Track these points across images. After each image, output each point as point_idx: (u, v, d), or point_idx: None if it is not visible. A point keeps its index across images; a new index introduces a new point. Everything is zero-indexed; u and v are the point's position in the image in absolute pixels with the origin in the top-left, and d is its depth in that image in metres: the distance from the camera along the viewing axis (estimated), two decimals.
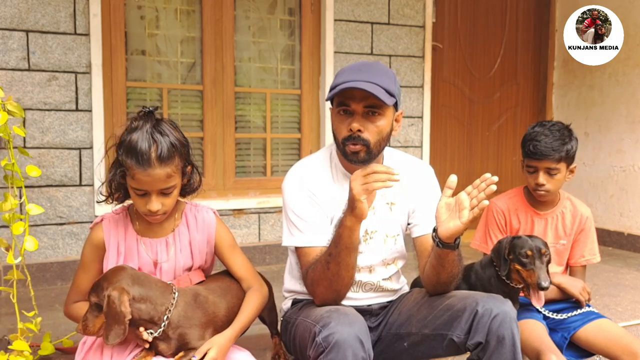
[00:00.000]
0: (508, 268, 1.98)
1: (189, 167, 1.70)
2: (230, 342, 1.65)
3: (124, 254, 1.70)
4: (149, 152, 1.56)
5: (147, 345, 1.58)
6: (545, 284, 1.90)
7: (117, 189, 1.65)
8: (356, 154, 1.71)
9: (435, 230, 1.64)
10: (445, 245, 1.62)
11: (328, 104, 3.85)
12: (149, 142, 1.57)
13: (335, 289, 1.67)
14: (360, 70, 1.71)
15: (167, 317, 1.58)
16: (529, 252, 1.95)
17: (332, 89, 1.72)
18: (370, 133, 1.70)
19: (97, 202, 1.76)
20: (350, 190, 1.57)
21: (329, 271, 1.64)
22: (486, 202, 1.52)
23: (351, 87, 1.65)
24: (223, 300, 1.74)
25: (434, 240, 1.65)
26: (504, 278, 2.00)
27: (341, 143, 1.74)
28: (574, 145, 2.18)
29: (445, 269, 1.69)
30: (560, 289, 2.19)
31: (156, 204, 1.61)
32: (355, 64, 1.77)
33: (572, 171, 2.23)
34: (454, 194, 1.62)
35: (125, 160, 1.58)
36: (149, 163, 1.56)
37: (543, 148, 2.14)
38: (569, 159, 2.18)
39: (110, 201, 1.70)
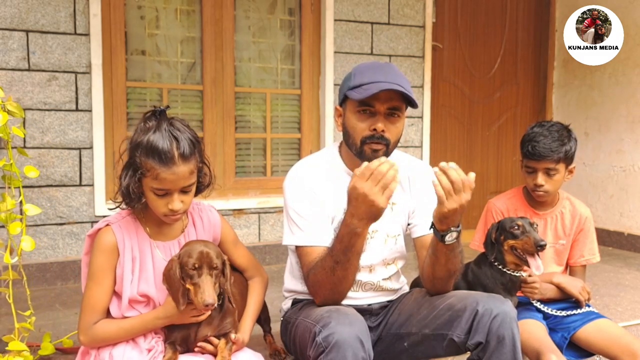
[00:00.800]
0: (498, 251, 2.01)
1: (202, 165, 1.69)
2: (249, 334, 1.76)
3: (139, 258, 1.66)
4: (171, 150, 1.55)
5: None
6: (543, 242, 1.94)
7: (136, 193, 1.60)
8: (377, 152, 1.72)
9: (433, 225, 1.65)
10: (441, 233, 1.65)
11: (328, 104, 3.84)
12: (170, 140, 1.55)
13: (338, 292, 1.68)
14: (384, 71, 1.72)
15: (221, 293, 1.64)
16: (519, 223, 2.01)
17: (354, 87, 1.71)
18: (391, 134, 1.73)
19: (110, 209, 1.73)
20: (372, 203, 1.51)
21: (335, 276, 1.63)
22: (472, 175, 1.61)
23: (389, 89, 1.66)
24: (235, 289, 1.76)
25: (435, 234, 1.66)
26: (499, 267, 2.02)
27: (360, 142, 1.74)
28: (572, 145, 2.18)
29: (439, 261, 1.69)
30: (560, 288, 2.19)
31: (178, 202, 1.59)
32: (372, 63, 1.77)
33: (571, 172, 2.23)
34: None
35: (145, 162, 1.55)
36: (173, 161, 1.55)
37: (541, 149, 2.14)
38: (567, 159, 2.18)
39: (124, 206, 1.66)
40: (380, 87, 1.66)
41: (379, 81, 1.67)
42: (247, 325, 1.75)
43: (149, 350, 1.60)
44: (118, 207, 1.68)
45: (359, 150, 1.75)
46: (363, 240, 1.61)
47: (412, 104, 1.72)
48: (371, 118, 1.72)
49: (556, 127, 2.19)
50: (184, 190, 1.60)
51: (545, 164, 2.15)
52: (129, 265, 1.64)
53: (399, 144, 1.86)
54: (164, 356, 1.58)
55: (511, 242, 2.00)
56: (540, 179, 2.18)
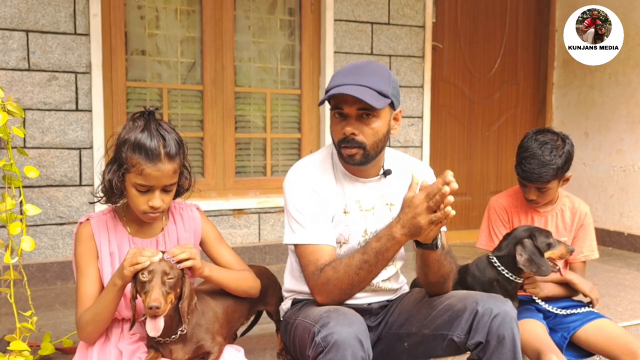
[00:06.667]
0: (549, 264, 2.04)
1: (184, 168, 1.73)
2: (206, 269, 1.67)
3: (118, 254, 1.69)
4: (158, 147, 1.60)
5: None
6: (572, 248, 2.11)
7: (118, 187, 1.65)
8: (352, 157, 1.73)
9: (419, 242, 1.64)
10: (423, 245, 1.62)
11: (328, 104, 3.85)
12: (157, 139, 1.61)
13: (352, 293, 1.67)
14: (352, 72, 1.71)
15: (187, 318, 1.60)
16: (551, 234, 2.08)
17: (326, 92, 1.73)
18: (365, 136, 1.71)
19: (90, 203, 1.76)
20: (415, 216, 1.51)
21: (357, 276, 1.63)
22: (452, 212, 1.47)
23: (339, 93, 1.66)
24: (219, 303, 1.75)
25: (426, 247, 1.64)
26: (508, 276, 2.03)
27: (337, 146, 1.76)
28: (565, 161, 2.16)
29: (431, 270, 1.69)
30: (572, 284, 2.20)
31: (158, 200, 1.63)
32: (349, 66, 1.78)
33: (566, 179, 2.24)
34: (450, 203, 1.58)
35: (131, 157, 1.60)
36: (159, 158, 1.60)
37: (529, 175, 2.15)
38: (559, 175, 2.18)
39: (105, 201, 1.70)
40: (333, 93, 1.67)
41: (342, 84, 1.67)
42: (215, 266, 1.74)
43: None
44: (98, 201, 1.72)
45: (339, 153, 1.76)
46: (396, 249, 1.60)
47: (374, 105, 1.66)
48: (344, 121, 1.73)
49: (550, 143, 2.15)
50: (165, 189, 1.64)
51: (536, 185, 2.18)
52: (107, 259, 1.68)
53: (399, 144, 1.85)
54: (146, 357, 1.59)
55: (549, 253, 2.05)
56: (532, 195, 2.21)
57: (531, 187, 2.20)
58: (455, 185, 1.46)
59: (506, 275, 2.03)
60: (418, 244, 1.63)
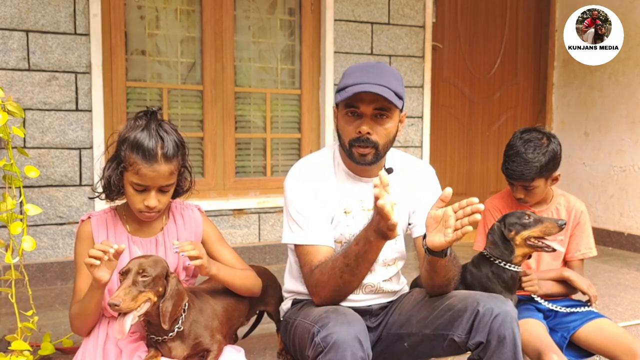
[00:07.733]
0: (509, 248, 2.00)
1: (184, 169, 1.74)
2: (213, 269, 1.68)
3: None
4: (156, 148, 1.61)
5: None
6: (562, 221, 2.00)
7: (116, 185, 1.67)
8: (364, 157, 1.72)
9: (424, 236, 1.64)
10: (434, 253, 1.62)
11: (328, 104, 3.84)
12: (155, 139, 1.62)
13: (341, 295, 1.68)
14: (368, 71, 1.70)
15: (184, 316, 1.60)
16: (528, 213, 2.04)
17: (340, 90, 1.72)
18: (379, 135, 1.71)
19: (90, 198, 1.77)
20: (379, 228, 1.51)
21: (341, 279, 1.63)
22: (469, 228, 1.49)
23: (365, 90, 1.64)
24: (218, 301, 1.75)
25: (423, 246, 1.65)
26: (500, 264, 2.02)
27: (348, 145, 1.74)
28: (549, 159, 2.15)
29: (438, 274, 1.69)
30: (569, 282, 2.19)
31: (154, 200, 1.64)
32: (362, 64, 1.76)
33: (555, 178, 2.23)
34: (450, 203, 1.56)
35: (129, 156, 1.61)
36: (155, 159, 1.61)
37: (511, 172, 2.16)
38: (545, 173, 2.17)
39: (103, 197, 1.72)
40: (358, 90, 1.65)
41: (361, 82, 1.66)
42: (222, 265, 1.74)
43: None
44: (97, 196, 1.73)
45: (348, 152, 1.75)
46: (375, 251, 1.60)
47: (397, 105, 1.69)
48: (357, 120, 1.72)
49: (534, 142, 2.16)
50: (162, 190, 1.66)
51: (520, 182, 2.18)
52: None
53: (399, 144, 1.85)
54: (146, 356, 1.60)
55: (526, 233, 2.00)
56: (519, 193, 2.22)
57: (517, 186, 2.20)
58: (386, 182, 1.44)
59: (498, 264, 2.03)
60: (428, 251, 1.63)
